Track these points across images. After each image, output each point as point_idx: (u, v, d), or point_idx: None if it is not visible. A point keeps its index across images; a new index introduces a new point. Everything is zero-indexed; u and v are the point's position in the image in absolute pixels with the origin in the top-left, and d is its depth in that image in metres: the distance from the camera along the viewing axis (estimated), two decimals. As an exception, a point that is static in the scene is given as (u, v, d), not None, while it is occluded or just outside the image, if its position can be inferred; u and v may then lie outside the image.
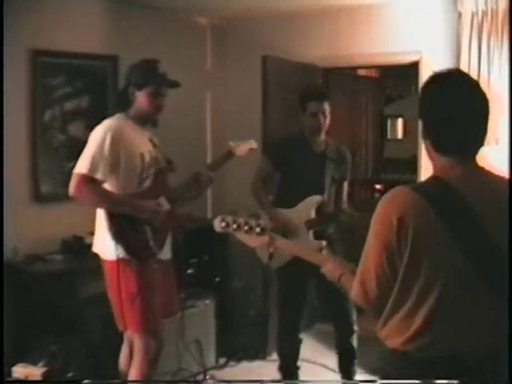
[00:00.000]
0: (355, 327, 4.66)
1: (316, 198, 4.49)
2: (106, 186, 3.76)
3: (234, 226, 2.51)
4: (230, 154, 4.20)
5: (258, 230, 2.49)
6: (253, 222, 2.50)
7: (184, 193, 4.08)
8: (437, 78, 2.18)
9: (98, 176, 3.65)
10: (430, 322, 2.04)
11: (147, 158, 3.84)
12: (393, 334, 2.12)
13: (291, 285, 4.57)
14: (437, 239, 2.03)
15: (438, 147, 2.15)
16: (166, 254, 3.99)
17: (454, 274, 2.02)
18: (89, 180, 3.64)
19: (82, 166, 3.67)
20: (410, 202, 2.06)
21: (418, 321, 2.05)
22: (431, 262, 2.03)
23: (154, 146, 3.97)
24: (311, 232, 4.49)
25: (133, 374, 3.88)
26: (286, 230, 4.44)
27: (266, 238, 2.52)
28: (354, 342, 4.70)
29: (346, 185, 4.76)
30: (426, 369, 2.05)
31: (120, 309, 3.81)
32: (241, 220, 2.51)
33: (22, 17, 5.04)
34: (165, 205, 3.88)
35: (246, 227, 2.50)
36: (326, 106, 4.48)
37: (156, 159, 3.93)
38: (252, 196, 4.66)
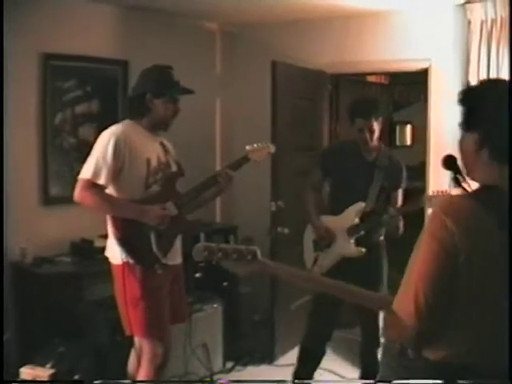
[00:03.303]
0: (381, 340, 4.64)
1: (359, 205, 4.51)
2: (111, 191, 3.79)
3: (220, 254, 2.28)
4: (245, 159, 4.11)
5: (249, 257, 2.30)
6: (243, 249, 2.31)
7: (198, 195, 4.03)
8: (484, 86, 2.18)
9: (101, 181, 3.69)
10: (473, 332, 2.02)
11: (154, 163, 3.84)
12: (438, 346, 2.07)
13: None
14: (493, 249, 1.98)
15: (497, 156, 2.07)
16: (173, 259, 3.97)
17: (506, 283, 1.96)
18: (91, 185, 3.69)
19: (85, 171, 3.72)
20: (467, 209, 2.02)
21: (462, 331, 2.03)
22: (485, 271, 1.98)
23: (166, 151, 3.97)
24: (353, 239, 4.53)
25: (139, 378, 3.89)
26: (328, 239, 4.57)
27: (255, 266, 2.32)
28: (379, 355, 4.67)
29: (399, 194, 4.69)
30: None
31: (126, 313, 3.83)
32: (228, 248, 2.31)
33: (33, 21, 5.07)
34: (171, 209, 3.86)
35: (235, 255, 2.29)
36: (374, 122, 4.45)
37: (166, 164, 3.93)
38: (303, 206, 4.73)
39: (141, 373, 3.90)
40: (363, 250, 4.52)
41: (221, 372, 5.42)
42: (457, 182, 3.34)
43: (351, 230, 4.52)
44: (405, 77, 7.42)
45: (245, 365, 5.63)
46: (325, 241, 4.59)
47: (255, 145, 4.13)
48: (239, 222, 6.34)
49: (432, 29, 5.60)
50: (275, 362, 5.58)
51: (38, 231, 5.20)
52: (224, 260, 2.30)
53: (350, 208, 4.52)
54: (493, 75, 5.12)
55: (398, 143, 9.47)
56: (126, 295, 3.78)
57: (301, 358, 4.78)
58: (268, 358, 5.68)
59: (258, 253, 2.32)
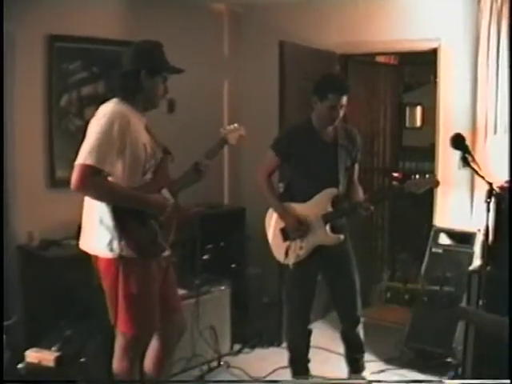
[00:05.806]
0: (361, 319, 4.62)
1: (331, 191, 4.39)
2: (110, 178, 3.40)
3: None
4: (223, 141, 3.98)
5: None
6: None
7: (185, 183, 3.85)
8: None
9: (106, 168, 3.29)
10: None
11: (149, 148, 3.55)
12: None
13: (303, 279, 4.52)
14: None
15: None
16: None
17: None
18: (96, 172, 3.27)
19: (87, 156, 3.28)
20: None
21: None
22: None
23: (150, 134, 3.66)
24: (328, 226, 4.42)
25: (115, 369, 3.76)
26: (300, 226, 4.42)
27: None
28: (361, 334, 4.64)
29: (356, 167, 4.63)
30: None
31: (115, 307, 3.59)
32: None
33: (38, 3, 5.03)
34: (169, 198, 3.67)
35: None
36: (345, 100, 4.31)
37: (155, 149, 3.64)
38: (261, 194, 4.58)
39: (116, 362, 3.76)
40: (341, 236, 4.45)
41: (228, 354, 5.42)
42: (465, 162, 3.30)
43: (327, 217, 4.40)
44: (414, 57, 7.34)
45: (253, 347, 5.64)
46: (300, 231, 4.41)
47: (227, 126, 4.01)
48: (247, 204, 6.32)
49: (441, 8, 5.53)
50: (283, 345, 5.55)
51: (45, 214, 5.19)
52: None
53: (321, 194, 4.39)
54: (503, 53, 5.07)
55: (407, 125, 9.37)
56: (119, 291, 3.52)
57: (290, 348, 4.74)
58: (276, 340, 5.68)
59: None
